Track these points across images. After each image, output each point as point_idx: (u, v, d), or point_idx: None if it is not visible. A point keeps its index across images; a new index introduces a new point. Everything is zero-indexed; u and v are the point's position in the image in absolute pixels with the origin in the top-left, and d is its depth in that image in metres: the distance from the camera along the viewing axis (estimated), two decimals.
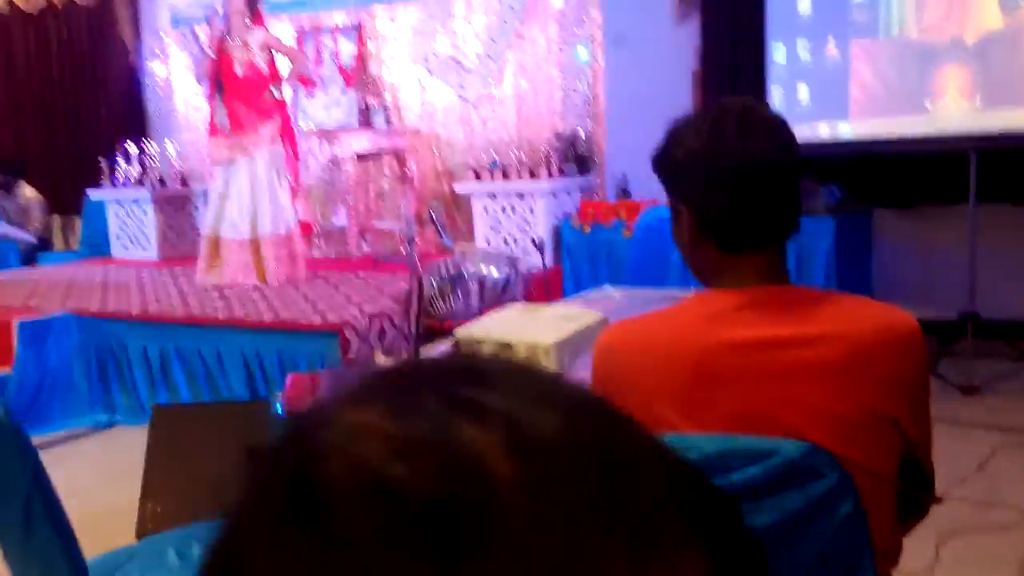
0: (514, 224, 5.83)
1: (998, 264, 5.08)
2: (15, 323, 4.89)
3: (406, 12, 6.69)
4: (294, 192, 5.86)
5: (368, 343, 4.32)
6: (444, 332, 3.50)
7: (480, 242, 5.82)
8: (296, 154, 5.96)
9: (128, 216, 7.20)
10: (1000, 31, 4.73)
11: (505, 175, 5.87)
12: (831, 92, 5.18)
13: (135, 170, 7.05)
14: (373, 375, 0.38)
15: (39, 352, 4.91)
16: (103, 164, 7.13)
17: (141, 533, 2.77)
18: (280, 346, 4.50)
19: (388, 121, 6.72)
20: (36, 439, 4.36)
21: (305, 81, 6.52)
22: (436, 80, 6.66)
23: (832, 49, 5.16)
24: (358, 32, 6.80)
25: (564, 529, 0.33)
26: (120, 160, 7.07)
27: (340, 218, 6.84)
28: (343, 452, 0.34)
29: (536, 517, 0.33)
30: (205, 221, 5.85)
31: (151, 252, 7.12)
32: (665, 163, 1.47)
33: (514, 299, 4.74)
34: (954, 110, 4.86)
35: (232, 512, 0.36)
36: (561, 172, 5.86)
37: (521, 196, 5.80)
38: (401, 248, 5.01)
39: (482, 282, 4.72)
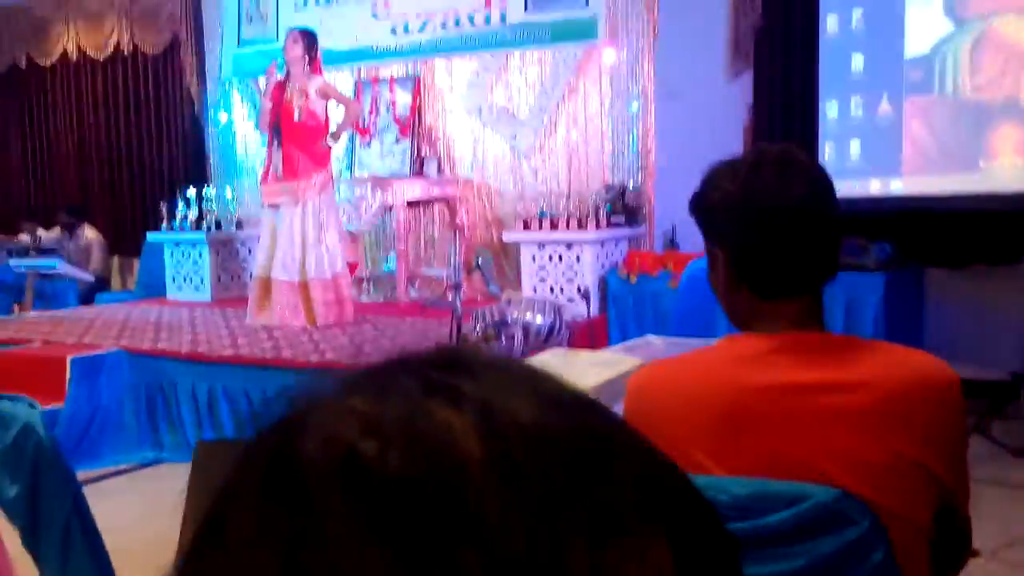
0: (561, 273, 5.85)
1: None
2: (69, 360, 5.00)
3: (462, 64, 6.82)
4: (343, 237, 5.95)
5: None
6: None
7: (527, 290, 5.85)
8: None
9: (183, 258, 7.36)
10: None
11: (554, 225, 5.90)
12: (883, 149, 5.16)
13: (192, 213, 7.22)
14: (365, 366, 0.40)
15: (91, 388, 5.01)
16: (163, 208, 7.31)
17: None
18: None
19: (440, 170, 6.82)
20: (84, 474, 4.44)
21: (359, 130, 6.67)
22: (489, 131, 6.75)
23: (885, 106, 5.15)
24: (415, 83, 6.93)
25: (529, 512, 0.33)
26: (179, 204, 7.24)
27: (390, 264, 6.92)
28: (320, 429, 0.35)
29: (503, 499, 0.33)
30: (256, 263, 5.96)
31: (204, 293, 7.25)
32: (702, 206, 1.47)
33: (559, 347, 4.74)
34: (1008, 168, 4.80)
35: (218, 485, 0.37)
36: (609, 223, 5.88)
37: (569, 246, 5.83)
38: (448, 294, 5.05)
39: (527, 329, 4.74)
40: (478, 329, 4.84)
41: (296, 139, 5.60)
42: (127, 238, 8.48)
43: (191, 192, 7.24)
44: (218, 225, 7.29)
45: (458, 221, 6.78)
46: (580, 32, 6.20)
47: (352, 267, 6.35)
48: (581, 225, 5.84)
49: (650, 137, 6.19)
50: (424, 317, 5.84)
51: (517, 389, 0.37)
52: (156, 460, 4.97)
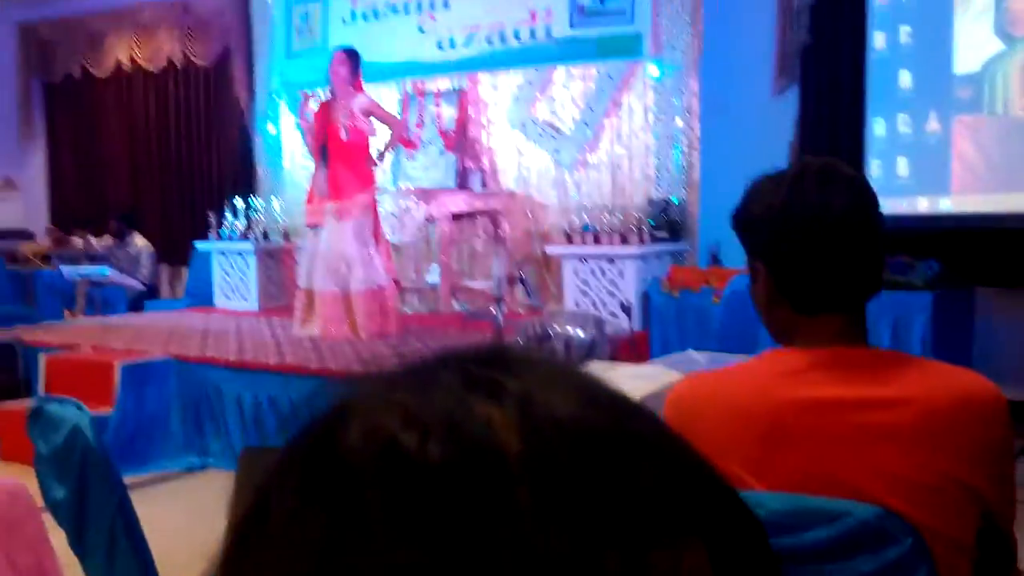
0: (603, 287, 5.84)
1: None
2: (118, 365, 5.09)
3: (507, 78, 6.85)
4: (386, 250, 6.00)
5: None
6: None
7: (569, 304, 5.85)
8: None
9: (231, 267, 7.46)
10: None
11: (596, 239, 5.91)
12: (932, 167, 5.10)
13: (241, 224, 7.32)
14: (411, 362, 0.41)
15: (139, 394, 5.09)
16: (211, 217, 7.42)
17: None
18: None
19: (484, 183, 6.85)
20: (130, 479, 4.51)
21: (405, 143, 6.73)
22: (533, 145, 6.78)
23: (934, 124, 5.09)
24: (460, 97, 6.98)
25: (565, 509, 0.34)
26: (228, 214, 7.35)
27: (433, 276, 6.96)
28: (362, 421, 0.37)
29: (539, 493, 0.34)
30: (301, 274, 6.04)
31: (251, 302, 7.34)
32: (743, 219, 1.47)
33: (601, 360, 4.74)
34: None
35: (264, 473, 0.39)
36: (652, 238, 5.87)
37: (611, 260, 5.82)
38: (491, 307, 5.07)
39: (568, 342, 4.74)
40: (520, 342, 4.85)
41: (342, 158, 5.66)
42: (176, 247, 8.62)
43: (239, 202, 7.35)
44: (265, 235, 7.39)
45: (501, 234, 6.80)
46: (625, 47, 6.21)
47: (396, 282, 6.40)
48: (624, 239, 5.83)
49: (694, 152, 6.17)
50: (467, 329, 5.86)
51: (558, 386, 0.38)
52: (202, 466, 5.04)
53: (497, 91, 6.94)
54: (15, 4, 9.38)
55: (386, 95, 7.27)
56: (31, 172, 9.94)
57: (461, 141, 6.94)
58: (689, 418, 1.46)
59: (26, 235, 9.44)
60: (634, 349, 4.99)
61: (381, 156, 5.90)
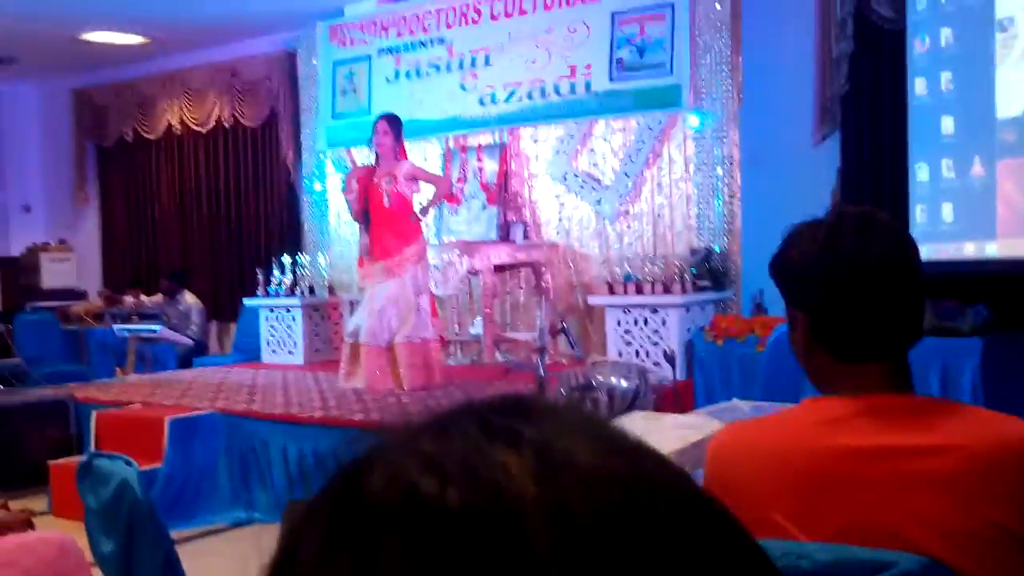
0: (646, 337, 5.83)
1: None
2: (166, 421, 5.16)
3: (548, 132, 6.93)
4: (430, 303, 6.06)
5: None
6: None
7: (612, 354, 5.84)
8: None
9: (278, 322, 7.55)
10: None
11: (639, 289, 5.91)
12: (977, 211, 5.04)
13: (287, 280, 7.43)
14: (434, 412, 0.43)
15: (187, 449, 5.15)
16: (259, 274, 7.54)
17: None
18: None
19: (526, 235, 6.90)
20: (178, 533, 4.55)
21: (449, 199, 6.82)
22: (574, 196, 6.82)
23: (978, 168, 5.05)
24: (502, 151, 7.06)
25: (581, 555, 0.35)
26: (275, 270, 7.47)
27: (476, 328, 6.99)
28: (385, 468, 0.38)
29: (555, 539, 0.35)
30: (347, 328, 6.10)
31: (298, 357, 7.42)
32: (781, 267, 1.48)
33: (644, 410, 4.71)
34: None
35: (293, 519, 0.40)
36: (695, 287, 5.86)
37: (654, 310, 5.81)
38: (534, 358, 5.07)
39: (612, 393, 4.72)
40: (563, 392, 4.84)
41: (385, 223, 5.75)
42: (225, 303, 8.77)
43: (286, 259, 7.47)
44: (311, 291, 7.49)
45: (543, 285, 6.83)
46: (664, 99, 6.26)
47: (441, 338, 6.44)
48: (667, 289, 5.82)
49: (735, 201, 6.17)
50: (510, 380, 5.86)
51: (576, 434, 0.39)
52: (248, 520, 5.07)
53: (538, 144, 7.02)
54: (70, 71, 9.70)
55: (429, 151, 7.39)
56: (84, 233, 10.20)
57: (503, 194, 7.01)
58: (730, 467, 1.46)
59: (79, 295, 9.65)
60: (678, 398, 4.94)
61: (425, 211, 5.98)
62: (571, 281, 6.82)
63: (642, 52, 6.36)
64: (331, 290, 7.62)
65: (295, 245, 8.04)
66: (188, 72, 9.07)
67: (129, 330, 7.74)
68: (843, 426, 1.38)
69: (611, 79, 6.47)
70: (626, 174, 6.57)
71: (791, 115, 6.13)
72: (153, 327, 7.81)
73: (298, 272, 7.48)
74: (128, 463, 1.84)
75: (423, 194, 6.07)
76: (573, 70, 6.63)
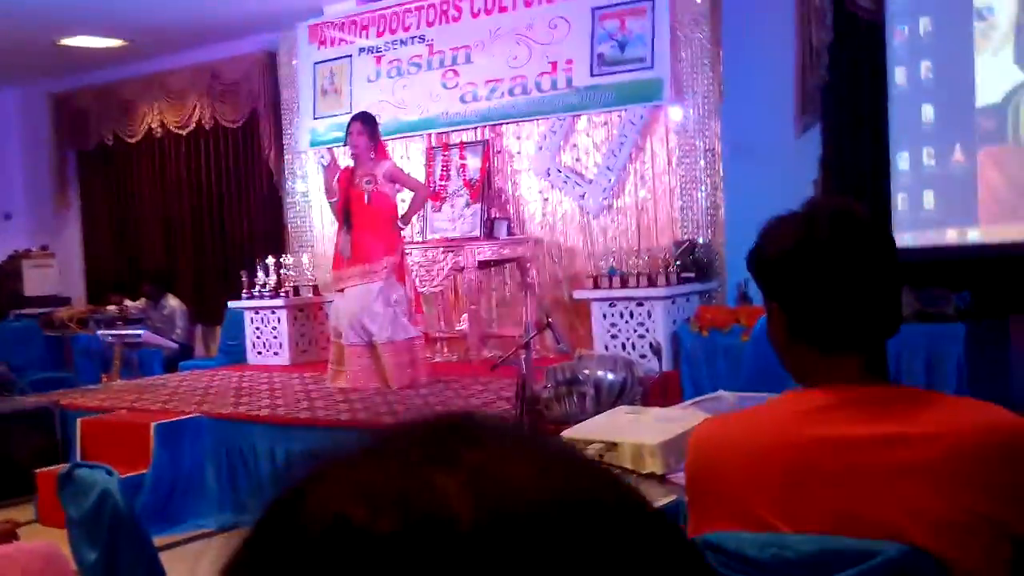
0: (632, 330, 5.84)
1: None
2: (152, 425, 5.14)
3: (531, 128, 6.92)
4: (415, 301, 6.04)
5: None
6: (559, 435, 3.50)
7: (598, 347, 5.84)
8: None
9: (263, 324, 7.53)
10: None
11: (624, 282, 5.91)
12: (958, 198, 5.07)
13: (271, 281, 7.40)
14: (374, 432, 0.42)
15: (173, 453, 5.13)
16: (243, 276, 7.51)
17: None
18: None
19: (510, 231, 6.90)
20: (167, 538, 4.52)
21: (432, 197, 6.80)
22: (558, 192, 6.82)
23: (959, 156, 5.07)
24: (484, 148, 7.05)
25: (517, 571, 0.35)
26: (259, 272, 7.44)
27: (462, 325, 6.99)
28: (317, 496, 0.38)
29: (491, 562, 0.34)
30: (331, 329, 6.09)
31: (283, 357, 7.40)
32: (757, 261, 1.48)
33: (632, 402, 4.72)
34: None
35: (232, 550, 0.40)
36: (680, 279, 5.87)
37: (640, 303, 5.83)
38: (521, 353, 5.06)
39: (599, 386, 4.72)
40: (550, 387, 4.84)
41: (366, 223, 5.72)
42: (210, 306, 8.72)
43: (270, 260, 7.44)
44: (296, 291, 7.46)
45: (529, 280, 6.83)
46: (646, 93, 6.26)
47: (425, 334, 6.43)
48: (651, 282, 5.83)
49: (718, 193, 6.19)
50: (497, 376, 5.86)
51: (517, 454, 0.39)
52: (236, 523, 5.05)
53: (521, 141, 7.01)
54: (48, 76, 9.63)
55: (411, 149, 7.37)
56: (66, 238, 10.14)
57: (486, 191, 7.00)
58: (711, 461, 1.46)
59: (63, 301, 9.59)
60: (665, 390, 4.96)
61: (406, 220, 5.97)
62: (556, 276, 6.82)
63: (623, 47, 6.35)
64: (316, 290, 7.59)
65: (278, 246, 8.01)
66: (168, 74, 9.02)
67: (113, 335, 7.70)
68: (823, 418, 1.39)
69: (592, 74, 6.46)
70: (609, 168, 6.58)
71: (773, 106, 6.14)
72: (137, 332, 7.77)
73: (282, 273, 7.46)
74: (109, 472, 1.83)
75: (405, 200, 6.05)
76: (554, 66, 6.62)
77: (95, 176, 9.95)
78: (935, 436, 1.33)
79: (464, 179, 7.07)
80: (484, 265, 6.79)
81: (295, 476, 0.41)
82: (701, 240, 6.14)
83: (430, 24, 7.18)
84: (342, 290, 5.85)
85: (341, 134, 6.84)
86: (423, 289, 6.65)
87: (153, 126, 9.22)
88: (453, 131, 7.19)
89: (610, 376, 4.76)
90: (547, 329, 4.80)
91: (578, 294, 6.29)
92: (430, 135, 7.30)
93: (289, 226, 8.21)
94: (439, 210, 7.12)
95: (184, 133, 9.02)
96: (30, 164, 10.33)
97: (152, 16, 7.65)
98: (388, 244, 5.78)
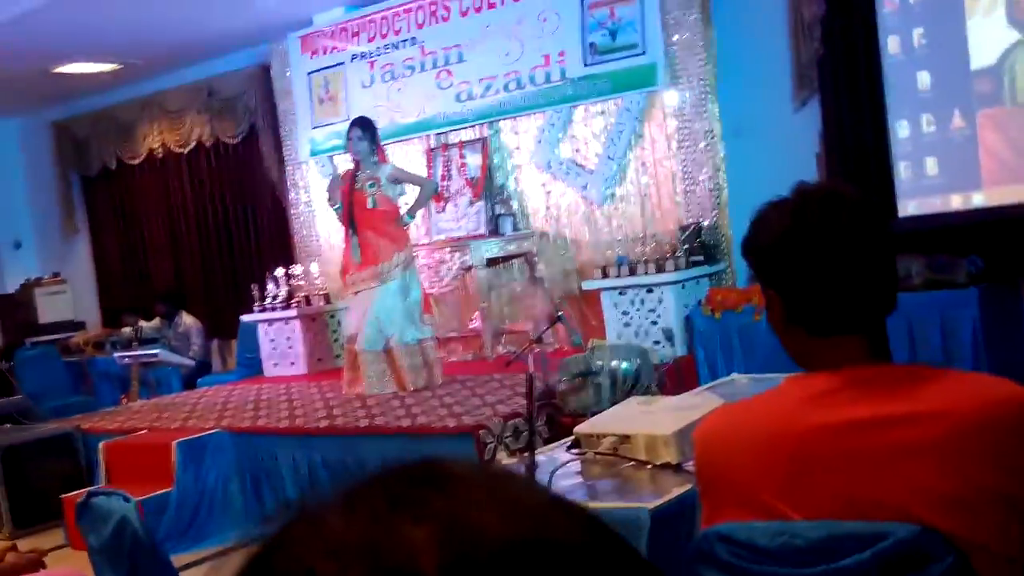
0: (644, 317, 5.84)
1: None
2: (174, 444, 5.17)
3: (529, 122, 6.92)
4: (426, 302, 6.06)
5: (503, 443, 4.38)
6: None
7: (611, 336, 5.85)
8: None
9: (278, 335, 7.56)
10: None
11: (632, 270, 5.91)
12: (960, 163, 5.05)
13: (282, 292, 7.43)
14: (346, 484, 0.43)
15: (197, 470, 5.17)
16: (254, 290, 7.54)
17: None
18: (418, 451, 4.58)
19: (515, 227, 6.90)
20: (194, 555, 4.55)
21: (434, 197, 6.81)
22: (560, 184, 6.82)
23: (958, 121, 5.05)
24: (483, 146, 7.06)
25: None
26: (269, 284, 7.47)
27: (475, 322, 7.01)
28: (286, 553, 0.39)
29: None
30: (345, 336, 6.11)
31: (299, 367, 7.43)
32: (751, 249, 1.49)
33: (647, 390, 4.73)
34: None
35: None
36: (688, 263, 5.86)
37: (650, 289, 5.82)
38: (535, 348, 5.08)
39: (613, 376, 4.73)
40: (564, 380, 4.86)
41: (372, 225, 5.74)
42: (224, 321, 8.76)
43: (279, 271, 7.47)
44: (307, 301, 7.49)
45: (537, 275, 6.84)
46: (641, 79, 6.25)
47: (436, 331, 6.44)
48: (660, 268, 5.83)
49: (720, 174, 6.17)
50: (512, 372, 5.87)
51: (485, 501, 0.39)
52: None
53: (520, 135, 7.01)
54: (46, 104, 9.68)
55: (411, 152, 7.38)
56: (77, 263, 10.20)
57: (488, 188, 7.00)
58: (717, 453, 1.47)
59: (77, 325, 9.66)
60: (681, 375, 4.97)
61: (412, 214, 5.98)
62: (564, 268, 6.83)
63: (614, 35, 6.34)
64: (327, 299, 7.62)
65: (287, 257, 8.04)
66: (164, 95, 9.05)
67: (129, 357, 7.75)
68: (826, 402, 1.39)
69: (586, 64, 6.45)
70: (610, 157, 6.57)
71: (769, 83, 6.11)
72: (153, 351, 7.82)
73: (292, 283, 7.49)
74: (126, 499, 1.85)
75: (408, 196, 6.07)
76: (547, 59, 6.61)
77: (101, 200, 10.00)
78: (940, 413, 1.33)
79: (465, 178, 7.08)
80: (492, 262, 6.80)
81: (268, 530, 0.41)
82: (706, 223, 6.13)
83: (420, 26, 7.18)
84: (355, 293, 5.87)
85: (340, 142, 6.86)
86: (433, 290, 6.67)
87: (154, 147, 9.25)
88: (451, 131, 7.19)
89: (624, 365, 4.77)
90: (559, 322, 4.82)
91: (587, 285, 6.29)
92: (428, 136, 7.31)
93: (295, 236, 8.23)
94: (443, 210, 7.14)
95: (185, 152, 9.06)
96: (36, 192, 10.39)
97: (143, 37, 7.68)
98: (396, 242, 5.81)
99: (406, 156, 7.32)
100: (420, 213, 6.41)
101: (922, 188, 5.16)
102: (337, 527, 0.39)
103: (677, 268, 5.81)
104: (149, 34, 7.60)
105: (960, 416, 1.33)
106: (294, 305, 7.42)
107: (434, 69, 7.13)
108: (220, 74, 8.62)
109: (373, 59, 7.45)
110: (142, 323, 8.71)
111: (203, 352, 8.56)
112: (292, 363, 7.50)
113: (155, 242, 9.53)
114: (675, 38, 6.15)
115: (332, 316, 7.62)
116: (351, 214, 5.76)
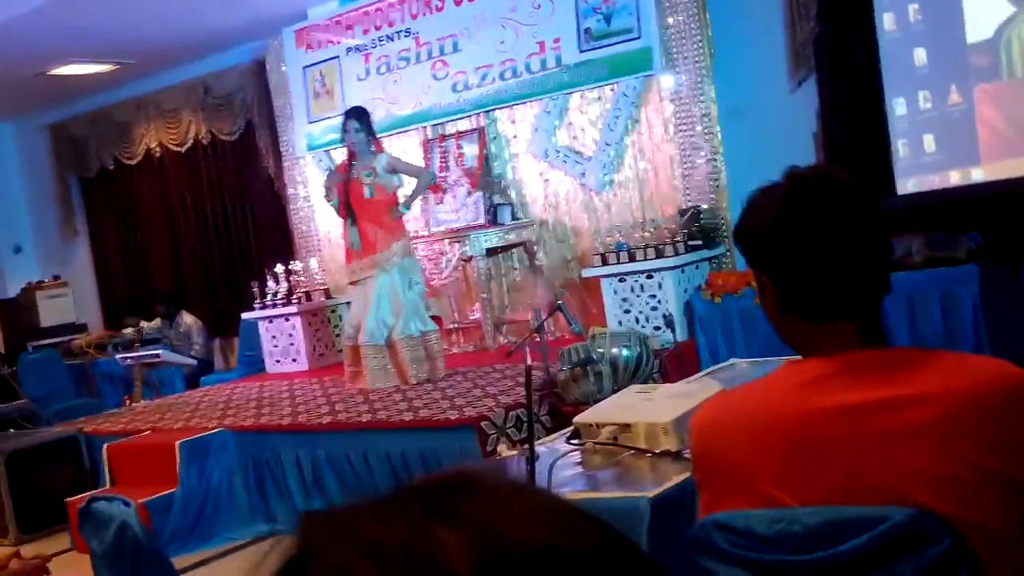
0: (644, 303, 5.82)
1: None
2: (177, 444, 5.17)
3: (525, 110, 6.89)
4: (427, 294, 6.05)
5: (505, 434, 4.37)
6: None
7: (612, 323, 5.84)
8: None
9: (279, 332, 7.56)
10: None
11: (631, 256, 5.89)
12: (959, 139, 5.02)
13: (283, 288, 7.42)
14: (379, 493, 0.45)
15: (201, 469, 5.17)
16: (255, 287, 7.53)
17: None
18: (421, 444, 4.61)
19: (514, 216, 6.88)
20: (200, 554, 4.56)
21: (432, 188, 6.79)
22: (558, 171, 6.80)
23: (955, 96, 5.02)
24: (479, 135, 7.03)
25: None
26: (270, 280, 7.46)
27: (475, 313, 6.99)
28: (326, 553, 0.40)
29: None
30: (345, 331, 6.10)
31: (302, 364, 7.43)
32: (743, 235, 1.47)
33: (649, 377, 4.72)
34: None
35: None
36: (687, 247, 5.84)
37: (649, 275, 5.80)
38: (537, 338, 5.07)
39: (615, 363, 4.72)
40: (565, 369, 4.85)
41: (370, 215, 5.73)
42: (225, 319, 8.76)
43: (279, 268, 7.46)
44: (308, 296, 7.48)
45: (537, 263, 6.82)
46: (636, 64, 6.22)
47: (437, 321, 6.44)
48: (659, 253, 5.81)
49: (718, 157, 6.15)
50: (513, 362, 5.86)
51: (516, 509, 0.41)
52: (270, 533, 5.08)
53: (516, 124, 6.98)
54: (43, 107, 9.67)
55: (407, 143, 7.35)
56: (77, 265, 10.20)
57: (486, 177, 6.98)
58: (714, 442, 1.46)
59: (79, 328, 9.66)
60: (682, 360, 4.95)
61: (408, 204, 5.96)
62: (564, 256, 6.81)
63: (609, 19, 6.31)
64: (327, 294, 7.61)
65: (286, 253, 8.03)
66: (160, 94, 9.04)
67: (132, 358, 7.75)
68: (821, 387, 1.37)
69: (581, 50, 6.42)
70: (607, 143, 6.54)
71: (765, 64, 6.08)
72: (155, 352, 7.82)
73: (292, 280, 7.48)
74: (126, 503, 1.85)
75: (405, 187, 6.05)
76: (542, 46, 6.58)
77: (100, 201, 9.99)
78: (935, 395, 1.32)
79: (463, 168, 7.06)
80: (491, 252, 6.79)
81: (302, 532, 0.43)
82: (705, 206, 6.11)
83: (414, 17, 7.15)
84: (356, 283, 5.86)
85: (337, 136, 6.84)
86: (433, 282, 6.65)
87: (151, 146, 9.24)
88: (448, 121, 7.17)
89: (625, 352, 4.76)
90: (559, 311, 4.81)
91: (587, 272, 6.28)
92: (425, 128, 7.29)
93: (295, 232, 8.22)
94: (441, 202, 7.12)
95: (183, 150, 9.04)
96: (34, 196, 10.39)
97: (137, 37, 7.66)
98: (393, 231, 5.80)
99: (403, 148, 7.30)
100: (418, 204, 6.39)
101: (921, 165, 5.13)
102: (373, 531, 0.40)
103: (676, 253, 5.79)
104: (143, 33, 7.58)
105: (954, 397, 1.31)
106: (294, 301, 7.41)
107: (429, 60, 7.11)
108: (215, 71, 8.60)
109: (368, 52, 7.43)
110: (143, 324, 8.71)
111: (205, 351, 8.56)
112: (294, 359, 7.50)
113: (155, 242, 9.53)
114: (670, 21, 6.12)
115: (333, 311, 7.61)
116: (348, 204, 5.75)
